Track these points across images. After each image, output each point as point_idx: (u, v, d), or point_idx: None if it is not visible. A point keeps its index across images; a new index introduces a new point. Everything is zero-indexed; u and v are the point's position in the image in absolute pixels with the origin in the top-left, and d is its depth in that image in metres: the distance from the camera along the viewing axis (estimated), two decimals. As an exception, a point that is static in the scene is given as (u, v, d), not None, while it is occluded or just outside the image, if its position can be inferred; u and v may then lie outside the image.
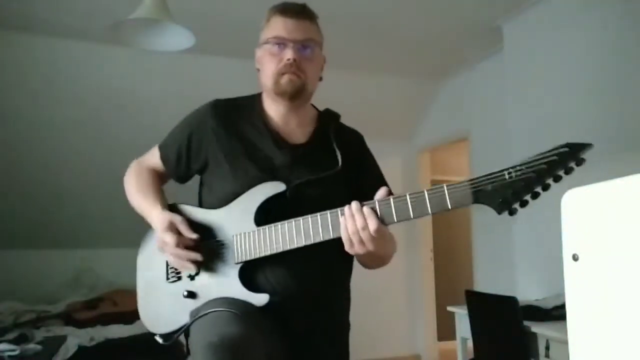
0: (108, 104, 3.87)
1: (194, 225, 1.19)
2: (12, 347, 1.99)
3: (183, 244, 1.15)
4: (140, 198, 1.29)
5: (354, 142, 1.33)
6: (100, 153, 3.97)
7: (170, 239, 1.14)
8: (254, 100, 1.31)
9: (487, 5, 3.37)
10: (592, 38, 2.96)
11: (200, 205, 1.29)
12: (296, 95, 1.22)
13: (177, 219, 1.17)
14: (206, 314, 1.06)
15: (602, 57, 2.90)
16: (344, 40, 3.62)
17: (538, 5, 3.31)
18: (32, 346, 2.07)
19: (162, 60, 3.64)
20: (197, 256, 1.15)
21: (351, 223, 1.02)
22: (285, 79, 1.20)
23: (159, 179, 1.35)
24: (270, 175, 1.17)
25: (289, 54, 1.18)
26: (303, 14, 1.22)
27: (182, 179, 1.34)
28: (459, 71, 4.54)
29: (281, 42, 1.19)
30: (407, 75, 4.61)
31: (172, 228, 1.16)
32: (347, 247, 1.05)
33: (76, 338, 3.10)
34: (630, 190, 0.59)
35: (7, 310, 3.49)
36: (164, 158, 1.32)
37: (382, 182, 1.24)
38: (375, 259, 1.19)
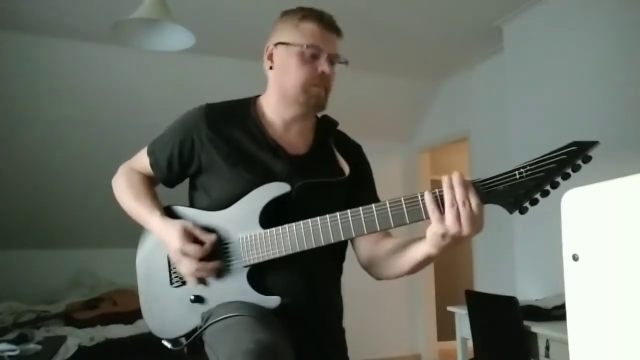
0: (108, 104, 3.88)
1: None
2: (12, 347, 1.99)
3: (206, 253, 1.12)
4: (134, 202, 1.25)
5: (354, 154, 1.31)
6: (101, 152, 3.96)
7: (192, 250, 1.11)
8: (249, 106, 1.27)
9: (487, 5, 3.37)
10: (592, 37, 2.96)
11: (192, 207, 1.26)
12: (319, 108, 1.22)
13: (188, 224, 1.14)
14: (224, 318, 1.05)
15: (602, 56, 2.90)
16: (343, 40, 3.62)
17: (538, 5, 3.31)
18: (32, 346, 2.07)
19: (162, 60, 3.64)
20: (217, 264, 1.13)
21: (459, 193, 0.93)
22: (315, 91, 1.19)
23: (151, 182, 1.31)
24: (270, 182, 1.15)
25: (325, 67, 1.17)
26: (338, 29, 1.22)
27: (172, 184, 1.30)
28: (459, 71, 4.54)
29: (317, 52, 1.18)
30: (407, 75, 4.61)
31: (189, 236, 1.12)
32: (449, 224, 0.94)
33: (76, 338, 3.10)
34: (630, 190, 0.59)
35: (7, 310, 3.49)
36: (153, 164, 1.27)
37: (376, 200, 1.18)
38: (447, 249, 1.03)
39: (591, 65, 2.96)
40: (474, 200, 0.94)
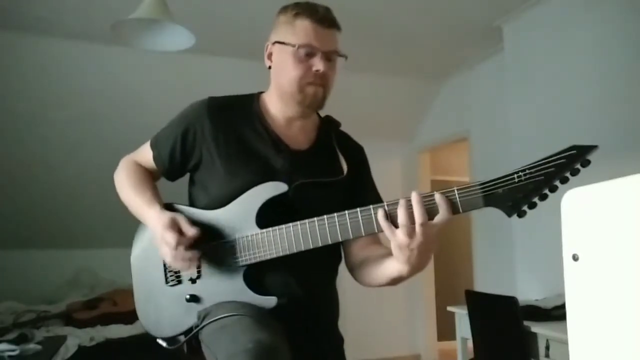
0: (108, 104, 3.87)
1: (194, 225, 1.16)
2: (12, 347, 1.99)
3: (184, 244, 1.09)
4: (134, 195, 1.23)
5: (356, 154, 1.31)
6: (100, 152, 3.96)
7: (171, 237, 1.08)
8: (252, 101, 1.27)
9: (487, 5, 3.37)
10: (592, 37, 2.96)
11: (191, 203, 1.26)
12: (317, 106, 1.22)
13: (179, 216, 1.13)
14: (221, 317, 1.05)
15: (602, 56, 2.90)
16: (343, 41, 3.63)
17: (538, 5, 3.31)
18: (32, 346, 2.07)
19: (162, 60, 3.63)
20: (195, 253, 1.11)
21: (419, 212, 0.96)
22: (311, 90, 1.18)
23: (152, 176, 1.31)
24: (269, 178, 1.15)
25: (319, 65, 1.16)
26: (333, 23, 1.20)
27: (173, 177, 1.29)
28: (459, 71, 4.54)
29: (311, 51, 1.16)
30: (407, 75, 4.61)
31: (174, 226, 1.10)
32: (403, 243, 0.97)
33: (76, 338, 3.10)
34: (630, 190, 0.59)
35: (7, 310, 3.49)
36: (156, 156, 1.27)
37: (378, 201, 1.18)
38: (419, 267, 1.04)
39: (591, 65, 2.96)
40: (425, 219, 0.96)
